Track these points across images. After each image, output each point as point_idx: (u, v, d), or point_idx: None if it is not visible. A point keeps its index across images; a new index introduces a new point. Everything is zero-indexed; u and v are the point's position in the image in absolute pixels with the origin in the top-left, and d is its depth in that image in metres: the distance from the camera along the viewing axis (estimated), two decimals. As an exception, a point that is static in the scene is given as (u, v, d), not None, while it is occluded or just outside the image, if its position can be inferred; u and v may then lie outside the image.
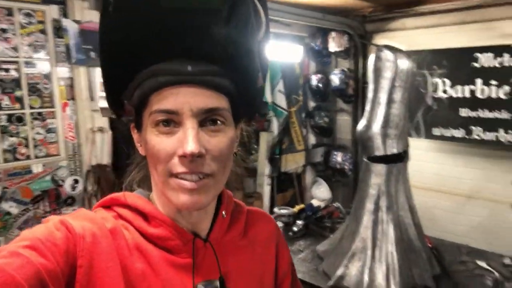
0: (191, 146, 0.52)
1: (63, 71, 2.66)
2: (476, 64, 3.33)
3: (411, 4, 3.72)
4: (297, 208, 2.56)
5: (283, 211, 2.45)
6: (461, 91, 3.44)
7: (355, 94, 4.19)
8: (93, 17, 2.87)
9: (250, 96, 0.62)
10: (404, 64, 1.70)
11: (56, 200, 2.54)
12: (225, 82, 0.56)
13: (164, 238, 0.60)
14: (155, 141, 0.55)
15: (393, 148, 1.76)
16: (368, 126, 1.76)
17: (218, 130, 0.56)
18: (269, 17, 0.59)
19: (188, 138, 0.52)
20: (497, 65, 3.24)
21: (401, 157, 1.79)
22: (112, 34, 0.55)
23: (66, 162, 2.70)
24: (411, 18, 3.86)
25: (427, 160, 3.91)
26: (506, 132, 3.26)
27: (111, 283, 0.54)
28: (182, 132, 0.54)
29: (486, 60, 3.28)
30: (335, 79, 4.05)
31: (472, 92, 3.38)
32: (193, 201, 0.55)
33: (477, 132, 3.39)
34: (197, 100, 0.54)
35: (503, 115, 3.25)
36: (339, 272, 1.80)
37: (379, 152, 1.75)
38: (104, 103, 0.60)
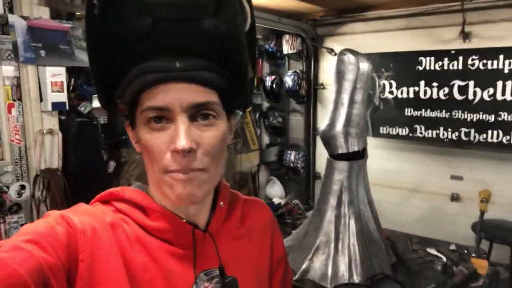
0: (182, 142, 0.53)
1: (8, 70, 2.51)
2: (420, 67, 3.58)
3: (359, 10, 3.92)
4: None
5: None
6: (406, 92, 3.69)
7: (307, 95, 4.34)
8: (42, 13, 2.73)
9: (241, 88, 0.62)
10: (365, 66, 1.81)
11: (0, 208, 2.39)
12: (215, 76, 0.57)
13: (164, 230, 0.61)
14: (148, 138, 0.56)
15: (354, 146, 1.86)
16: (332, 125, 1.85)
17: (210, 124, 0.57)
18: (253, 9, 0.60)
19: (179, 134, 0.53)
20: (438, 68, 3.51)
21: (361, 154, 1.90)
22: (98, 35, 0.55)
23: (11, 167, 2.55)
24: (359, 23, 4.07)
25: (373, 156, 4.09)
26: (446, 130, 3.54)
27: (113, 276, 0.55)
28: (174, 128, 0.55)
29: (428, 63, 3.53)
30: (288, 80, 4.16)
31: (416, 93, 3.63)
32: (187, 193, 0.56)
33: (420, 130, 3.64)
34: (186, 96, 0.55)
35: (443, 114, 3.53)
36: (304, 266, 1.87)
37: (342, 150, 1.84)
38: (97, 103, 0.62)
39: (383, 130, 3.85)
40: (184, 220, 0.63)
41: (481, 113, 3.35)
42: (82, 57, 3.03)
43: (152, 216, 0.61)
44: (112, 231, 0.58)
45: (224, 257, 0.65)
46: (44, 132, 2.78)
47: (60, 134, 2.82)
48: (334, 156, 1.89)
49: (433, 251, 2.09)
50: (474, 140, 3.41)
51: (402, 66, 3.69)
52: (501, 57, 3.21)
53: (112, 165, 3.75)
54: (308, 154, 4.50)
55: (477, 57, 3.32)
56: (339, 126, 1.83)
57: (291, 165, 4.37)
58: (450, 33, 3.57)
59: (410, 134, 3.72)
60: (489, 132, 3.33)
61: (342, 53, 1.83)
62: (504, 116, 3.25)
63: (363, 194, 1.91)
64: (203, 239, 0.64)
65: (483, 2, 3.27)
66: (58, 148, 2.80)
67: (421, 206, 3.94)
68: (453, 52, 3.42)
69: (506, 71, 3.20)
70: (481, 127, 3.35)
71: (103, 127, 3.56)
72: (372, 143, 4.06)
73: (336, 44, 4.18)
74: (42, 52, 2.65)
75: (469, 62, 3.36)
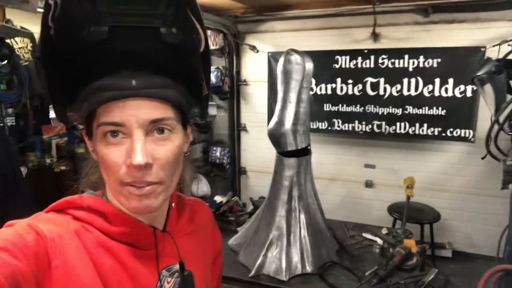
0: (138, 158, 0.55)
1: None
2: (336, 66, 3.84)
3: (279, 8, 4.05)
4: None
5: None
6: (325, 89, 3.93)
7: (230, 91, 4.37)
8: None
9: (196, 103, 0.66)
10: (310, 66, 1.90)
11: None
12: (171, 93, 0.59)
13: (127, 234, 0.63)
14: (104, 152, 0.57)
15: (302, 143, 1.95)
16: (280, 123, 1.91)
17: (165, 138, 0.59)
18: (206, 31, 0.63)
19: (135, 150, 0.55)
20: (352, 66, 3.80)
21: (307, 151, 1.99)
22: (55, 54, 0.56)
23: None
24: (278, 22, 4.21)
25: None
26: (360, 123, 3.86)
27: (88, 279, 0.57)
28: (130, 143, 0.57)
29: (344, 62, 3.80)
30: (212, 76, 4.14)
31: (333, 89, 3.90)
32: (143, 205, 0.59)
33: (338, 124, 3.92)
34: (142, 113, 0.56)
35: (358, 109, 3.84)
36: (259, 261, 1.91)
37: (291, 147, 1.91)
38: (53, 114, 0.62)
39: (305, 124, 4.05)
40: (146, 223, 0.66)
41: (390, 107, 3.72)
42: None
43: (114, 222, 0.63)
44: (77, 238, 0.59)
45: (181, 253, 0.70)
46: None
47: (-36, 140, 2.46)
48: (283, 153, 1.96)
49: (368, 236, 2.29)
50: (385, 132, 3.78)
51: (320, 64, 3.88)
52: (406, 56, 3.59)
53: (23, 171, 3.38)
54: (233, 150, 4.54)
55: (386, 57, 3.67)
56: (288, 124, 1.89)
57: (217, 161, 4.38)
58: (362, 34, 3.89)
59: (329, 128, 3.98)
60: (398, 124, 3.72)
61: (289, 53, 1.89)
62: (410, 109, 3.65)
63: (310, 188, 2.02)
64: (163, 238, 0.68)
65: (390, 6, 3.61)
66: (-37, 155, 2.44)
67: (339, 192, 4.25)
68: (366, 51, 3.74)
69: (410, 69, 3.60)
70: (391, 119, 3.73)
71: (11, 129, 3.19)
72: (294, 137, 4.25)
73: (256, 41, 4.27)
74: None
75: (380, 60, 3.70)
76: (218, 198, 2.56)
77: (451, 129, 3.53)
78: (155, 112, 0.57)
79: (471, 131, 3.45)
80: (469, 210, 3.72)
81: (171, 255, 0.69)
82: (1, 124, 2.95)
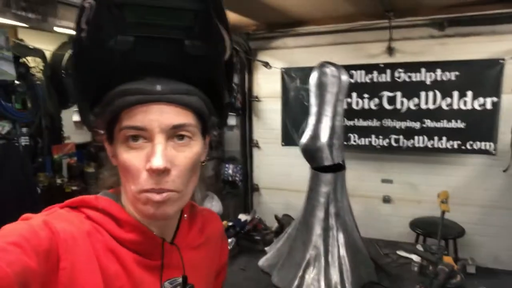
0: (157, 161, 0.56)
1: None
2: (351, 80, 3.80)
3: (291, 25, 4.05)
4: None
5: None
6: (340, 104, 3.87)
7: (242, 108, 4.33)
8: None
9: (217, 111, 0.67)
10: (345, 79, 1.85)
11: None
12: (193, 100, 0.60)
13: (136, 243, 0.63)
14: (125, 156, 0.58)
15: (338, 158, 1.88)
16: (315, 138, 1.84)
17: (185, 145, 0.60)
18: (232, 38, 0.63)
19: (156, 153, 0.56)
20: (368, 81, 3.77)
21: (342, 166, 1.92)
22: (84, 56, 0.58)
23: None
24: (291, 38, 4.20)
25: (307, 165, 4.26)
26: (377, 138, 3.81)
27: (92, 283, 0.57)
28: (151, 148, 0.57)
29: (359, 76, 3.77)
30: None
31: (349, 104, 3.84)
32: (160, 212, 0.59)
33: (354, 139, 3.86)
34: (165, 117, 0.57)
35: (374, 123, 3.79)
36: (296, 283, 1.82)
37: (328, 162, 1.85)
38: (77, 117, 0.57)
39: (320, 140, 3.99)
40: (155, 233, 0.65)
41: (408, 121, 3.67)
42: (6, 69, 2.62)
43: (125, 228, 0.63)
44: (89, 239, 0.59)
45: (187, 266, 0.70)
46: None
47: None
48: (318, 168, 1.89)
49: (403, 253, 2.20)
50: (403, 146, 3.72)
51: (335, 78, 3.89)
52: (423, 70, 3.57)
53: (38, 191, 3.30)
54: (245, 167, 4.47)
55: (402, 70, 3.64)
56: (324, 138, 1.83)
57: (230, 178, 4.30)
58: (376, 48, 3.87)
59: (345, 143, 3.91)
60: (416, 138, 3.66)
61: (323, 65, 1.84)
62: (428, 123, 3.60)
63: (346, 205, 1.94)
64: (170, 250, 0.68)
65: (404, 20, 3.61)
66: (-21, 176, 2.36)
67: (357, 208, 4.13)
68: (382, 65, 3.71)
69: (428, 82, 3.56)
70: (409, 133, 3.68)
71: (25, 149, 3.11)
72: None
73: (268, 58, 4.25)
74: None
75: (396, 74, 3.67)
76: (242, 217, 2.47)
77: (471, 142, 3.47)
78: (177, 117, 0.58)
79: (492, 144, 3.40)
80: (492, 224, 3.63)
81: (176, 267, 0.68)
82: (16, 144, 2.88)
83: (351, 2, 3.30)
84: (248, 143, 4.45)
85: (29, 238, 0.51)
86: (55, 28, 2.83)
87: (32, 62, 3.34)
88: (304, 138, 1.89)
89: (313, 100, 1.89)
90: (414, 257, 2.13)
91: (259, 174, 4.53)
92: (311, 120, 1.88)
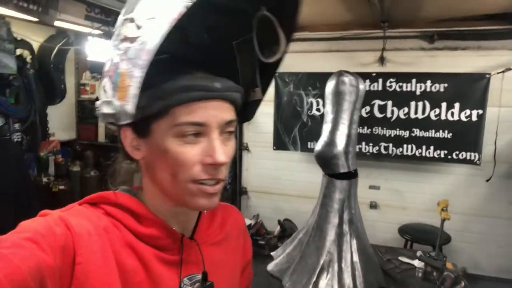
0: (221, 157, 0.59)
1: None
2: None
3: (285, 29, 4.06)
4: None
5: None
6: (332, 110, 3.94)
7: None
8: None
9: (250, 106, 0.72)
10: (362, 87, 1.89)
11: None
12: (238, 97, 0.64)
13: (155, 237, 0.64)
14: (179, 150, 0.59)
15: (353, 165, 1.92)
16: (331, 144, 1.88)
17: (229, 139, 0.64)
18: (288, 46, 0.69)
19: (217, 149, 0.59)
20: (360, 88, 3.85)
21: (356, 173, 1.97)
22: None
23: None
24: (284, 42, 4.23)
25: (300, 170, 4.32)
26: (367, 145, 3.90)
27: (108, 279, 0.57)
28: (208, 143, 0.60)
29: (352, 84, 3.84)
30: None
31: (341, 111, 3.91)
32: (211, 203, 0.63)
33: (345, 145, 3.92)
34: (222, 114, 0.61)
35: (365, 130, 3.88)
36: (310, 288, 1.84)
37: (344, 169, 1.88)
38: (106, 109, 0.59)
39: (310, 144, 4.06)
40: (175, 228, 0.67)
41: (397, 129, 3.79)
42: (7, 62, 2.51)
43: (145, 223, 0.64)
44: (105, 235, 0.59)
45: (207, 262, 0.70)
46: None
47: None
48: (332, 175, 1.92)
49: (405, 259, 2.27)
50: (392, 154, 3.83)
51: (328, 85, 3.95)
52: (414, 80, 3.69)
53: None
54: (234, 170, 4.46)
55: (394, 80, 3.75)
56: (341, 146, 1.86)
57: (219, 181, 4.29)
58: (368, 57, 3.98)
59: (336, 149, 3.99)
60: (405, 146, 3.78)
61: (342, 74, 1.88)
62: (417, 132, 3.73)
63: (358, 211, 1.98)
64: (190, 246, 0.69)
65: (397, 32, 3.73)
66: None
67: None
68: (374, 74, 3.81)
69: (418, 93, 3.69)
70: (398, 142, 3.79)
71: (17, 146, 2.98)
72: (300, 157, 4.25)
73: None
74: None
75: (387, 84, 3.78)
76: (247, 221, 2.47)
77: (457, 152, 3.63)
78: (229, 113, 0.62)
79: (477, 154, 3.56)
80: (473, 232, 3.80)
81: (195, 263, 0.69)
82: (14, 140, 2.74)
83: (350, 10, 3.37)
84: (238, 146, 4.44)
85: (45, 234, 0.52)
86: (56, 22, 2.74)
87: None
88: (319, 145, 1.92)
89: (329, 108, 1.92)
90: (416, 263, 2.20)
91: (248, 178, 4.53)
92: (326, 127, 1.91)
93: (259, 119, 4.38)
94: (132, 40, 0.55)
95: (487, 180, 3.58)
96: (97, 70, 4.51)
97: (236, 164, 4.50)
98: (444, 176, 3.84)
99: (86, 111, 4.49)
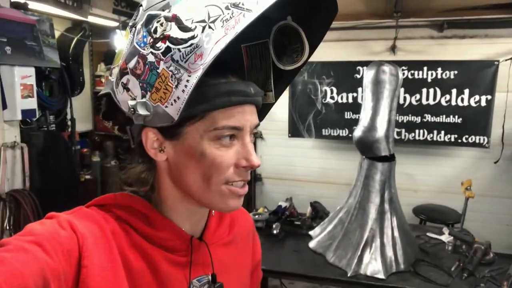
0: (255, 160, 0.61)
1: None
2: (357, 76, 4.03)
3: (297, 19, 4.17)
4: (261, 211, 2.64)
5: (258, 217, 2.48)
6: (346, 98, 4.10)
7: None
8: (4, 2, 2.29)
9: (263, 110, 0.71)
10: (401, 77, 2.03)
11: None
12: (261, 101, 0.66)
13: (164, 239, 0.64)
14: (217, 153, 0.59)
15: (393, 149, 2.07)
16: (372, 129, 2.02)
17: (253, 142, 0.65)
18: (311, 54, 0.70)
19: (252, 152, 0.61)
20: (373, 77, 4.00)
21: (394, 156, 2.12)
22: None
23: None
24: (296, 32, 4.33)
25: (314, 157, 4.48)
26: (380, 131, 4.05)
27: (115, 281, 0.57)
28: (241, 146, 0.61)
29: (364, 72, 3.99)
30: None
31: (354, 98, 4.07)
32: (239, 204, 0.64)
33: (359, 132, 4.08)
34: (254, 118, 0.63)
35: (378, 117, 4.03)
36: (355, 261, 2.00)
37: (385, 152, 2.03)
38: (141, 110, 0.57)
39: (325, 132, 4.20)
40: (185, 229, 0.67)
41: (410, 115, 3.95)
42: (52, 56, 2.58)
43: (154, 225, 0.64)
44: (113, 237, 0.59)
45: (216, 263, 0.70)
46: (8, 145, 2.31)
47: (26, 148, 2.37)
48: (374, 158, 2.07)
49: (433, 235, 2.45)
50: (404, 139, 4.00)
51: (341, 74, 4.10)
52: (425, 68, 3.85)
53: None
54: (249, 157, 4.59)
55: (406, 68, 3.90)
56: (382, 131, 2.01)
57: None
58: (379, 46, 4.12)
59: (350, 135, 4.14)
60: (417, 131, 3.95)
61: (382, 64, 2.02)
62: (428, 117, 3.90)
63: (395, 191, 2.14)
64: (199, 247, 0.68)
65: (408, 21, 3.86)
66: (24, 164, 2.34)
67: (355, 198, 4.44)
68: (387, 63, 3.95)
69: (429, 80, 3.85)
70: (410, 127, 3.96)
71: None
72: (311, 144, 4.40)
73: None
74: (8, 49, 2.20)
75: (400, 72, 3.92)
76: (283, 203, 2.62)
77: (467, 136, 3.82)
78: (256, 118, 0.63)
79: (486, 138, 3.75)
80: (482, 211, 4.00)
81: (204, 265, 0.69)
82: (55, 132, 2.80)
83: (364, 1, 3.50)
84: (253, 134, 4.57)
85: (49, 237, 0.52)
86: (89, 18, 2.81)
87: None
88: (359, 131, 2.06)
89: (368, 95, 2.06)
90: (444, 238, 2.38)
91: (262, 164, 4.66)
92: (366, 113, 2.05)
93: (273, 108, 4.50)
94: (177, 41, 0.53)
95: (495, 162, 3.78)
96: (111, 62, 4.57)
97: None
98: (454, 159, 4.03)
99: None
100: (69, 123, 4.09)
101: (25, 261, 0.46)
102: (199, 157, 0.59)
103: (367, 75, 2.08)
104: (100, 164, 4.25)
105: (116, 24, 3.18)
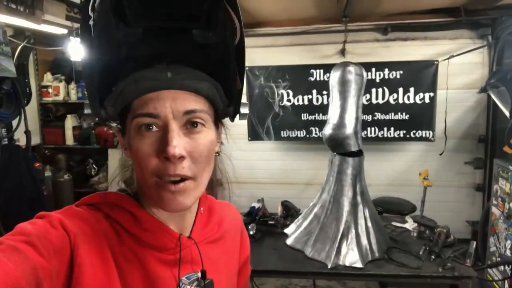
0: (173, 149, 0.55)
1: None
2: (311, 78, 4.19)
3: (250, 26, 4.28)
4: (234, 214, 2.66)
5: (233, 218, 2.51)
6: (302, 100, 4.25)
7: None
8: None
9: (229, 98, 0.65)
10: (365, 76, 2.17)
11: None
12: (205, 86, 0.60)
13: (152, 237, 0.64)
14: (139, 145, 0.58)
15: (361, 144, 2.20)
16: (341, 127, 2.14)
17: (198, 132, 0.60)
18: (242, 24, 0.61)
19: (171, 141, 0.56)
20: (326, 79, 4.18)
21: (362, 151, 2.25)
22: (93, 44, 0.56)
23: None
24: (249, 38, 4.42)
25: (273, 158, 4.58)
26: (335, 130, 4.24)
27: (107, 280, 0.58)
28: (164, 135, 0.57)
29: (318, 75, 4.17)
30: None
31: (310, 100, 4.24)
32: (176, 203, 0.59)
33: (315, 132, 4.25)
34: (177, 104, 0.58)
35: (332, 117, 4.21)
36: (334, 253, 2.09)
37: (355, 147, 2.15)
38: (88, 110, 0.63)
39: (283, 133, 4.32)
40: (172, 227, 0.67)
41: (362, 114, 4.17)
42: (6, 65, 2.41)
43: (142, 224, 0.64)
44: (103, 236, 0.60)
45: (205, 260, 0.70)
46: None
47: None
48: (344, 154, 2.18)
49: (398, 224, 2.62)
50: (358, 136, 4.21)
51: (296, 77, 4.24)
52: (373, 69, 4.10)
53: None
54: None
55: (356, 70, 4.12)
56: (351, 128, 2.13)
57: (197, 175, 4.39)
58: (329, 50, 4.32)
59: (307, 136, 4.30)
60: (368, 129, 4.19)
61: (347, 65, 2.14)
62: (378, 115, 4.16)
63: (366, 184, 2.27)
64: (187, 244, 0.68)
65: (355, 25, 4.10)
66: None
67: (314, 196, 4.57)
68: (338, 65, 4.15)
69: (377, 80, 4.11)
70: (363, 125, 4.16)
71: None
72: (272, 147, 4.50)
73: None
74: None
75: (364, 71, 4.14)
76: (256, 204, 2.66)
77: (414, 131, 4.11)
78: (189, 103, 0.58)
79: (431, 132, 4.06)
80: (430, 201, 4.30)
81: (193, 262, 0.69)
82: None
83: (316, 6, 3.66)
84: (211, 140, 4.57)
85: (41, 236, 0.51)
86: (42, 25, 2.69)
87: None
88: (329, 129, 2.17)
89: (336, 95, 2.17)
90: (408, 226, 2.55)
91: (222, 169, 4.67)
92: (334, 112, 2.16)
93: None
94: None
95: (440, 154, 4.11)
96: (59, 71, 4.36)
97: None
98: (403, 154, 4.32)
99: (51, 114, 4.33)
100: (16, 136, 3.84)
101: (17, 261, 0.46)
102: (131, 149, 0.60)
103: (334, 75, 2.20)
104: (53, 179, 4.03)
105: (65, 31, 3.05)
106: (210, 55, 0.62)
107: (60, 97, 4.30)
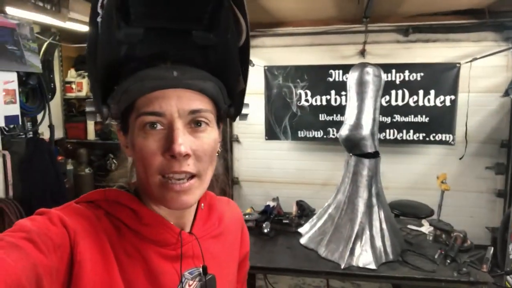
0: (178, 147, 0.56)
1: None
2: (330, 79, 4.18)
3: (270, 25, 4.30)
4: (249, 211, 2.68)
5: (248, 217, 2.53)
6: (320, 100, 4.24)
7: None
8: None
9: (232, 98, 0.66)
10: (384, 77, 2.16)
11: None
12: (209, 86, 0.61)
13: (154, 233, 0.64)
14: (143, 143, 0.58)
15: (377, 145, 2.19)
16: (358, 128, 2.13)
17: (202, 131, 0.60)
18: (249, 24, 0.61)
19: (176, 139, 0.56)
20: (345, 80, 4.14)
21: (378, 153, 2.24)
22: (99, 41, 0.57)
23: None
24: (269, 38, 4.46)
25: (290, 158, 4.58)
26: (353, 132, 4.22)
27: (108, 276, 0.58)
28: (169, 133, 0.57)
29: (337, 75, 4.16)
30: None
31: (328, 101, 4.22)
32: (180, 201, 0.60)
33: (333, 132, 4.24)
34: (182, 103, 0.58)
35: (350, 118, 4.19)
36: (347, 254, 2.09)
37: (371, 149, 2.14)
38: (90, 108, 0.64)
39: (300, 134, 4.32)
40: (173, 223, 0.67)
41: (380, 116, 4.12)
42: (33, 61, 2.50)
43: (143, 219, 0.64)
44: (103, 232, 0.60)
45: (206, 256, 0.70)
46: (-11, 153, 2.24)
47: (9, 155, 2.30)
48: (360, 155, 2.18)
49: (413, 227, 2.59)
50: (376, 138, 4.18)
51: (314, 77, 4.23)
52: (393, 71, 4.06)
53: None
54: (225, 161, 4.62)
55: (375, 71, 4.09)
56: (368, 129, 2.12)
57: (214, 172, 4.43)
58: (349, 50, 4.30)
59: (325, 136, 4.29)
60: (387, 131, 4.15)
61: (365, 65, 2.14)
62: (397, 117, 4.11)
63: (381, 186, 2.26)
64: (188, 240, 0.69)
65: (376, 26, 4.07)
66: (7, 171, 2.27)
67: (330, 197, 4.55)
68: (357, 66, 4.13)
69: (397, 82, 4.06)
70: (381, 127, 4.12)
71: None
72: (286, 146, 4.51)
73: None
74: (-10, 52, 2.13)
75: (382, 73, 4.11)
76: (270, 203, 2.68)
77: (434, 134, 4.05)
78: (194, 102, 0.59)
79: (451, 135, 4.00)
80: (448, 205, 4.23)
81: (195, 257, 0.69)
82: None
83: (336, 6, 3.65)
84: (228, 138, 4.62)
85: (41, 233, 0.51)
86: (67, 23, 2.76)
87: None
88: (345, 129, 2.16)
89: (353, 96, 2.17)
90: (424, 229, 2.53)
91: (239, 168, 4.72)
92: (352, 113, 2.16)
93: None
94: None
95: (460, 158, 4.04)
96: (83, 67, 4.47)
97: (227, 155, 4.66)
98: (422, 157, 4.27)
99: (74, 109, 4.44)
100: (40, 130, 3.97)
101: (17, 257, 0.46)
102: (134, 148, 0.60)
103: (352, 76, 2.20)
104: (74, 173, 4.14)
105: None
106: (212, 56, 0.63)
107: (83, 93, 4.41)
